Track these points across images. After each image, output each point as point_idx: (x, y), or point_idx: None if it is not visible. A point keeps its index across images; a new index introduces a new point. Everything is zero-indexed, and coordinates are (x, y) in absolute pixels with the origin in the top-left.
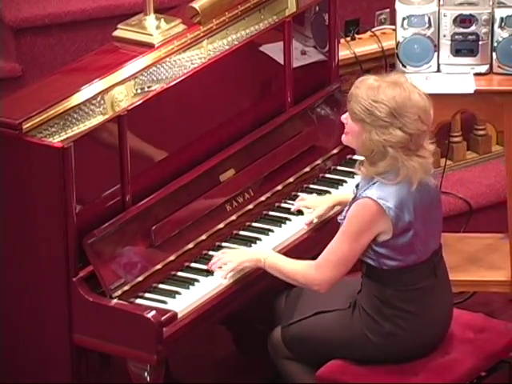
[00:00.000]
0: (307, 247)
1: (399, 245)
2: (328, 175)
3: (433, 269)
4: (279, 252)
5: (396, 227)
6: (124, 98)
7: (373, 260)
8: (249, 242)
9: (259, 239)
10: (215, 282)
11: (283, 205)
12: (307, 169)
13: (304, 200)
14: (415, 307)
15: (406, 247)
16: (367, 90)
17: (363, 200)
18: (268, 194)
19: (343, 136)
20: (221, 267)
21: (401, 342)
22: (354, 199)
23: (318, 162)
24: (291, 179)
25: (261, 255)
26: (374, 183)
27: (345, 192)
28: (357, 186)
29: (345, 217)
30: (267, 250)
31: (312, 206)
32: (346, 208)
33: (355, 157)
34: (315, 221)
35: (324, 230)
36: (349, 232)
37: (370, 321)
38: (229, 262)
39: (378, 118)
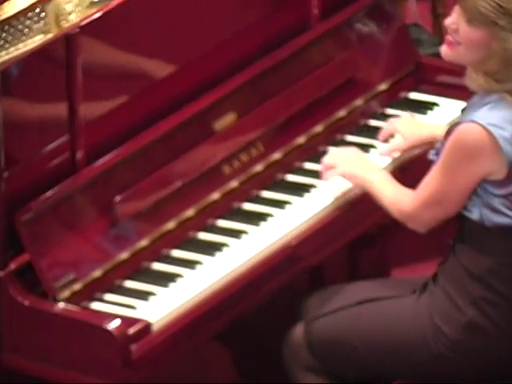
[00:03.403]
0: (343, 227)
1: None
2: (373, 122)
3: None
4: (298, 237)
5: None
6: (74, 8)
7: (474, 210)
8: (257, 218)
9: (271, 215)
10: (208, 277)
11: (307, 165)
12: (342, 112)
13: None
14: None
15: None
16: None
17: (468, 125)
18: (285, 150)
19: (445, 49)
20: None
21: (486, 343)
22: (457, 124)
23: (359, 102)
24: (319, 127)
25: (370, 174)
26: (487, 104)
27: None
28: (463, 110)
29: (438, 152)
30: (377, 167)
31: (401, 132)
32: (442, 141)
33: (412, 95)
34: (395, 155)
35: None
36: (444, 164)
37: (447, 304)
38: (333, 164)
39: None
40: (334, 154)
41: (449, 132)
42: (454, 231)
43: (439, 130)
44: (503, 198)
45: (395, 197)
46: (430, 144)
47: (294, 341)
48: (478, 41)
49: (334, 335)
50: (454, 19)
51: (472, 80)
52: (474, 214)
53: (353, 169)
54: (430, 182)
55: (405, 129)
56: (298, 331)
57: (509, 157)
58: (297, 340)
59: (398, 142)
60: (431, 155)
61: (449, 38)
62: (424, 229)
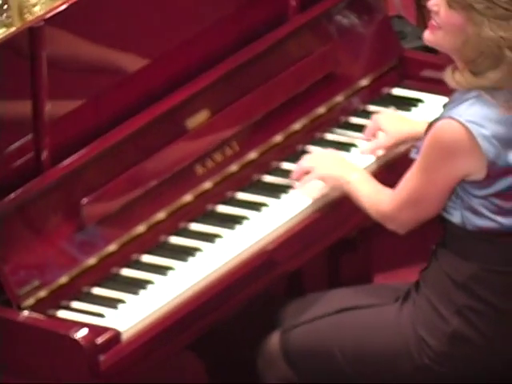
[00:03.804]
0: (322, 230)
1: (493, 194)
2: (354, 119)
3: None
4: (275, 241)
5: (493, 167)
6: (39, 0)
7: (455, 212)
8: (231, 221)
9: (246, 218)
10: (180, 284)
11: (285, 165)
12: (322, 109)
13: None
14: (501, 300)
15: (502, 200)
16: None
17: (446, 121)
18: (261, 149)
19: (427, 33)
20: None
21: (471, 354)
22: (436, 121)
23: (339, 98)
24: (297, 125)
25: (348, 175)
26: (467, 100)
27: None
28: (444, 105)
29: (419, 150)
30: (356, 168)
31: (384, 128)
32: (423, 137)
33: (395, 91)
34: (378, 153)
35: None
36: (422, 163)
37: (431, 313)
38: (309, 168)
39: (496, 5)
40: (309, 158)
41: (429, 128)
42: (438, 236)
43: (424, 126)
44: (483, 200)
45: (374, 197)
46: (415, 140)
47: (270, 350)
48: (455, 24)
49: (312, 345)
50: (436, 1)
51: (449, 77)
52: (455, 217)
53: (331, 170)
54: (408, 181)
55: (388, 125)
56: (274, 340)
57: (488, 156)
58: (272, 349)
59: (382, 140)
60: (413, 153)
61: (432, 22)
62: (403, 230)
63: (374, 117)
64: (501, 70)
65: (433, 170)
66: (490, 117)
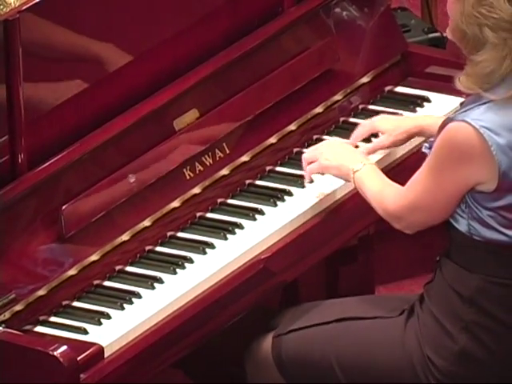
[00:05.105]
0: (320, 239)
1: (503, 207)
2: (353, 120)
3: None
4: (270, 250)
5: (504, 179)
6: None
7: (462, 220)
8: (222, 229)
9: (239, 226)
10: (168, 296)
11: (279, 168)
12: (319, 109)
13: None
14: (508, 315)
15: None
16: None
17: (459, 124)
18: (254, 152)
19: (448, 29)
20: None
21: (480, 374)
22: (449, 121)
23: (338, 97)
24: (292, 126)
25: (354, 165)
26: (485, 103)
27: (436, 116)
28: (461, 103)
29: (431, 147)
30: (363, 158)
31: (382, 128)
32: (436, 135)
33: (399, 89)
34: (379, 153)
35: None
36: (431, 165)
37: (436, 331)
38: (314, 158)
39: None
40: (314, 148)
41: (441, 128)
42: (443, 246)
43: (425, 121)
44: (492, 212)
45: (380, 193)
46: (414, 136)
47: (261, 355)
48: (450, 7)
49: (307, 352)
50: None
51: (457, 82)
52: (462, 226)
53: (336, 160)
54: (417, 183)
55: (386, 124)
56: (266, 345)
57: (500, 166)
58: (264, 355)
59: (381, 139)
60: (424, 148)
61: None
62: (410, 231)
63: (364, 123)
64: (484, 51)
65: (442, 173)
66: (507, 124)
